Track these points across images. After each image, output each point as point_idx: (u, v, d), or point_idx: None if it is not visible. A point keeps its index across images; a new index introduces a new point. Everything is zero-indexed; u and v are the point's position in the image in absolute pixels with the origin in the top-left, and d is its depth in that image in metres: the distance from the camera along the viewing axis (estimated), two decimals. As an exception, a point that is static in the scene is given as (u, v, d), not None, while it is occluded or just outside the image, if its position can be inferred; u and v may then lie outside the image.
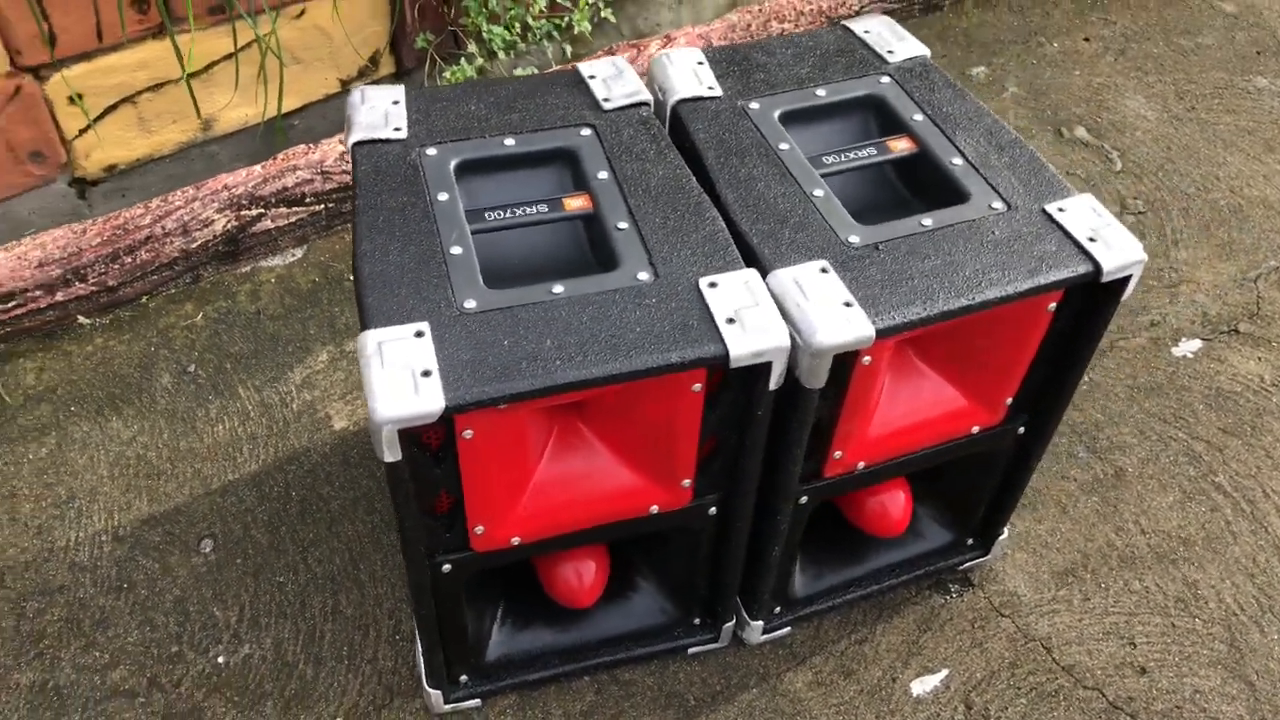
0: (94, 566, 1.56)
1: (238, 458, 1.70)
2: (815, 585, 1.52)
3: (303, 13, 2.31)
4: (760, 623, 1.48)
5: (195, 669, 1.47)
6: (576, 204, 1.23)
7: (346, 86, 2.48)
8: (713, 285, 1.12)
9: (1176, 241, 2.12)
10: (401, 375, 1.02)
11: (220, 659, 1.48)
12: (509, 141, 1.29)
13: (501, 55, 2.43)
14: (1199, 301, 2.01)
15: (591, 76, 1.38)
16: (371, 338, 1.05)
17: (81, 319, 1.88)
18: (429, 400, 1.01)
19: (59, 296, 1.84)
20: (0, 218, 2.15)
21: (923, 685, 1.49)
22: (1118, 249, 1.18)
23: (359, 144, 1.27)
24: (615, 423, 1.22)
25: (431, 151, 1.26)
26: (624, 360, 1.05)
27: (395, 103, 1.32)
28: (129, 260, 1.89)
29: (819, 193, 1.24)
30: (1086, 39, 2.61)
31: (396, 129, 1.29)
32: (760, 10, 2.42)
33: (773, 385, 1.12)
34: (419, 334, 1.06)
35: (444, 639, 1.34)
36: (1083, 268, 1.17)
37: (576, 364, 1.05)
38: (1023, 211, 1.23)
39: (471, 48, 2.41)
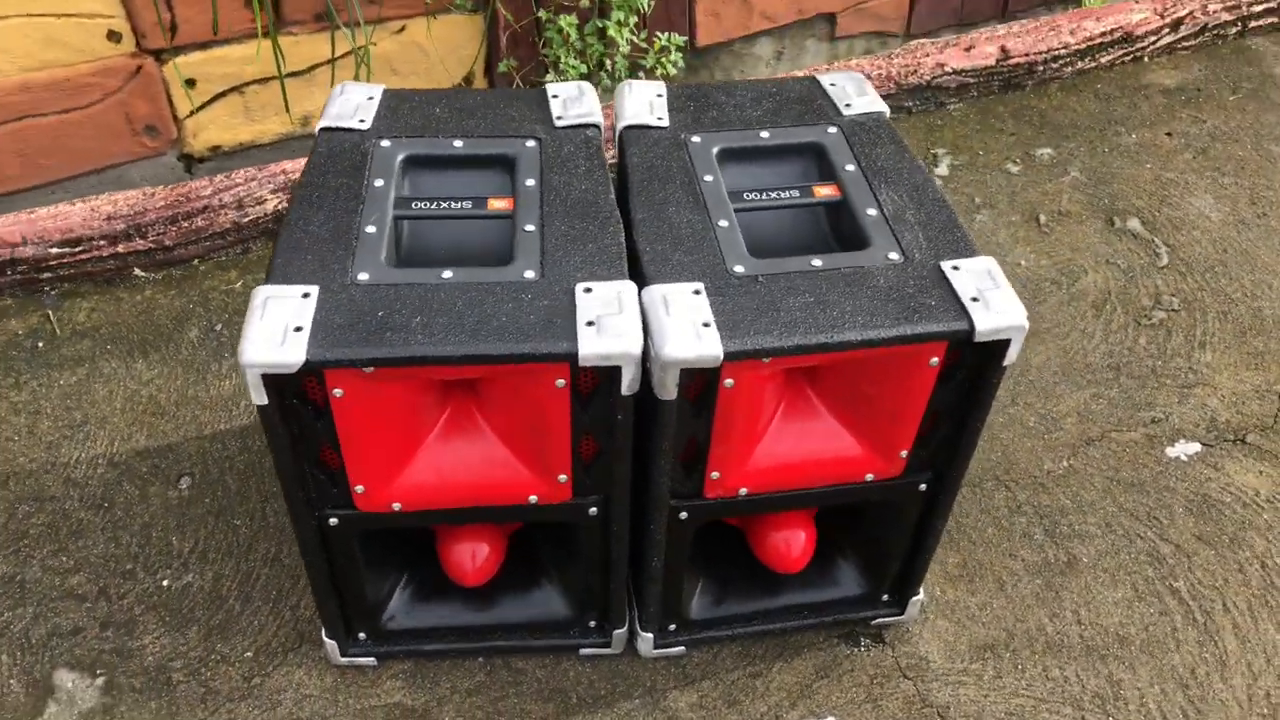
0: (84, 484, 1.74)
1: (234, 411, 1.86)
2: (715, 610, 1.55)
3: (403, 29, 2.51)
4: (650, 635, 1.52)
5: (141, 587, 1.62)
6: (499, 205, 1.33)
7: (438, 100, 2.67)
8: (588, 290, 1.20)
9: (1204, 344, 2.05)
10: (275, 328, 1.14)
11: (165, 582, 1.62)
12: (458, 143, 1.40)
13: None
14: (1210, 406, 1.94)
15: (555, 96, 1.48)
16: (262, 293, 1.18)
17: (138, 271, 2.09)
18: (291, 352, 1.12)
19: (120, 248, 2.06)
20: (115, 180, 2.41)
21: (809, 727, 1.50)
22: (997, 312, 1.19)
23: (325, 129, 1.41)
24: (500, 410, 1.30)
25: (385, 144, 1.39)
26: (480, 344, 1.14)
27: (370, 98, 1.46)
28: (186, 225, 2.10)
29: (724, 224, 1.31)
30: (1169, 134, 2.56)
31: (361, 120, 1.42)
32: (828, 70, 2.47)
33: (624, 390, 1.18)
34: (305, 295, 1.18)
35: (339, 594, 1.44)
36: (955, 325, 1.19)
37: (435, 341, 1.14)
38: (917, 265, 1.26)
39: (550, 76, 2.55)
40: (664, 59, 2.59)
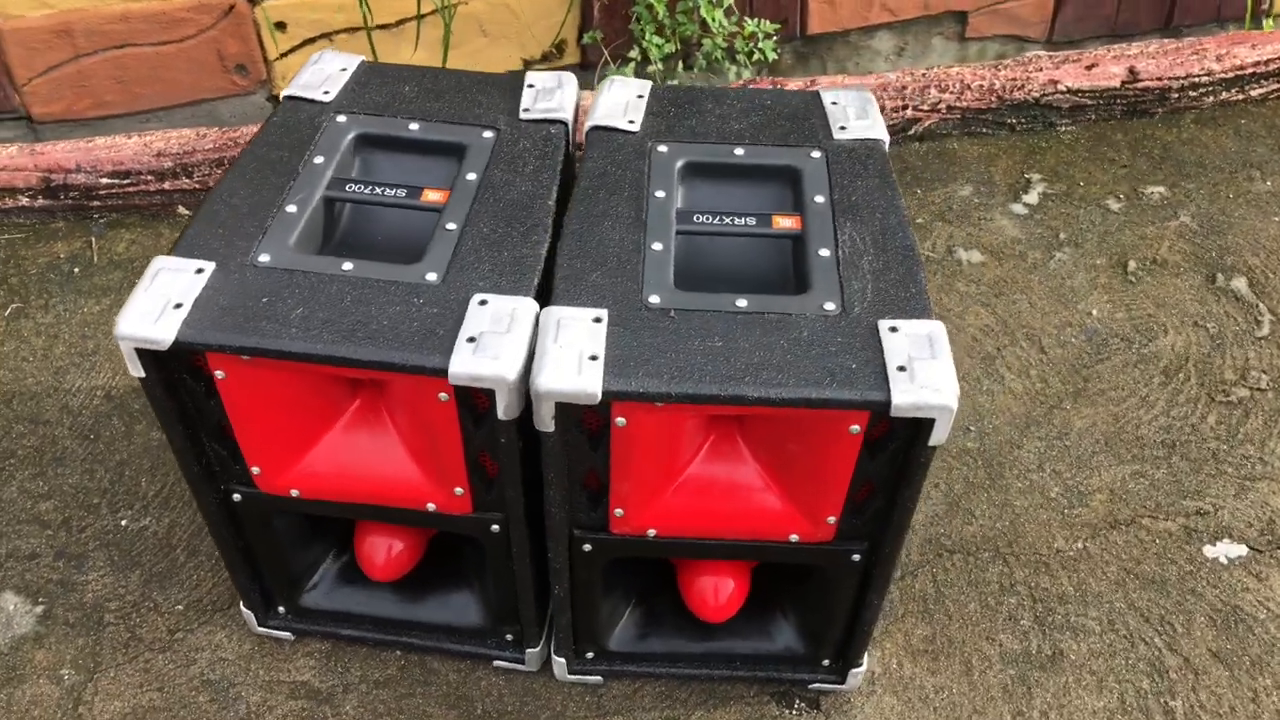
0: (78, 413, 1.79)
1: (234, 360, 1.87)
2: (638, 645, 1.46)
3: (490, -11, 2.47)
4: (563, 660, 1.45)
5: (102, 523, 1.65)
6: (433, 197, 1.27)
7: (529, 66, 2.62)
8: (482, 303, 1.13)
9: (1284, 433, 1.81)
10: (156, 303, 1.12)
11: (124, 522, 1.66)
12: (414, 126, 1.34)
13: (657, 65, 2.47)
14: (1272, 507, 1.71)
15: (530, 85, 1.40)
16: (157, 264, 1.15)
17: (181, 209, 2.14)
18: (163, 330, 1.10)
19: (166, 185, 2.10)
20: (206, 114, 2.48)
21: (710, 786, 1.40)
22: (921, 387, 1.06)
23: (287, 97, 1.38)
24: (400, 413, 1.25)
25: (340, 119, 1.35)
26: (348, 347, 1.09)
27: (344, 70, 1.42)
28: (233, 169, 2.12)
29: (657, 246, 1.21)
30: (1311, 185, 2.26)
31: (326, 92, 1.38)
32: (925, 75, 2.30)
33: (501, 415, 1.11)
34: (199, 271, 1.15)
35: (254, 567, 1.43)
36: (869, 395, 1.06)
37: (307, 337, 1.10)
38: (852, 319, 1.13)
39: (634, 53, 2.46)
40: (756, 45, 2.45)
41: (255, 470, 1.27)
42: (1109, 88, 2.31)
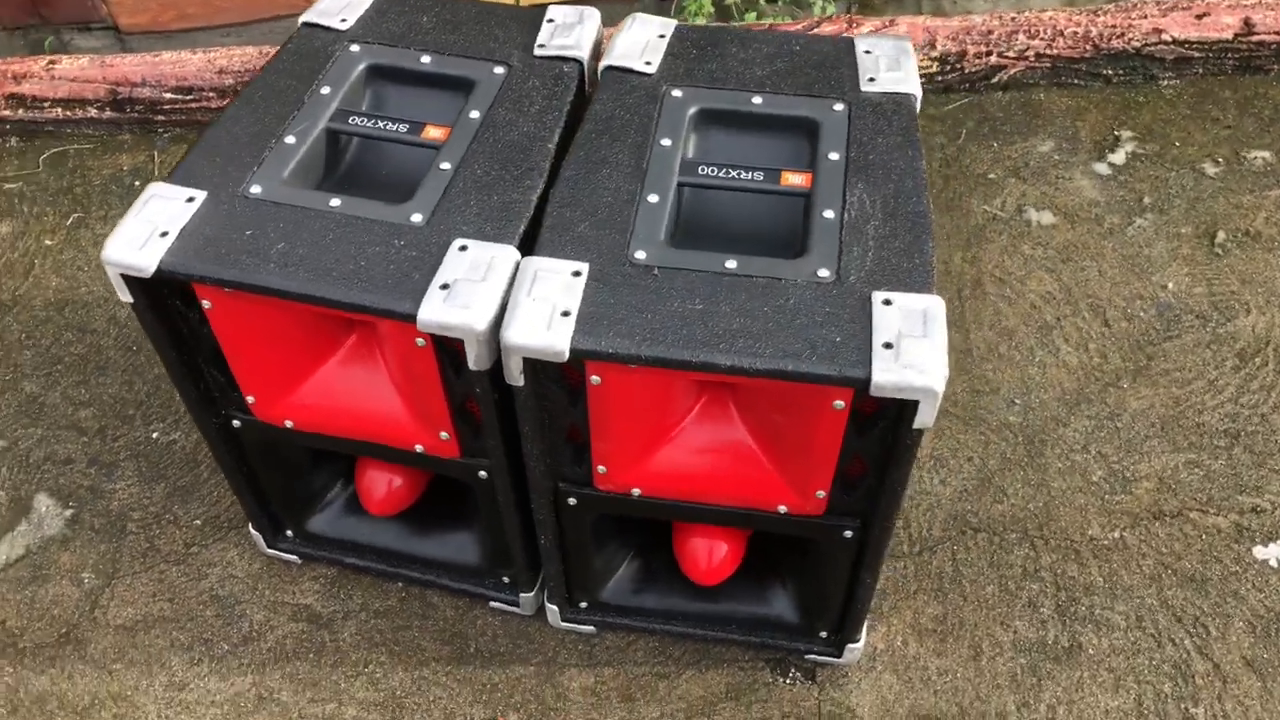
0: (124, 325, 1.84)
1: (277, 282, 1.89)
2: (632, 599, 1.44)
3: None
4: (555, 608, 1.44)
5: (135, 434, 1.70)
6: (434, 134, 1.23)
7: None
8: (462, 249, 1.10)
9: (1364, 429, 1.67)
10: (144, 230, 1.12)
11: (155, 435, 1.70)
12: (425, 59, 1.31)
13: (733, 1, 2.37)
14: (1338, 508, 1.58)
15: (550, 20, 1.35)
16: (150, 190, 1.16)
17: (243, 127, 2.15)
18: (147, 257, 1.10)
19: (227, 102, 2.11)
20: (284, 30, 2.48)
21: (694, 747, 1.39)
22: (905, 367, 0.99)
23: (304, 24, 1.35)
24: (387, 355, 1.24)
25: (354, 49, 1.32)
26: (321, 286, 1.08)
27: (366, -4, 1.38)
28: (293, 89, 2.12)
29: (653, 198, 1.15)
30: None
31: (343, 20, 1.35)
32: (1014, 19, 2.15)
33: (471, 365, 1.09)
34: (190, 200, 1.15)
35: (262, 491, 1.45)
36: (849, 372, 1.00)
37: (283, 274, 1.09)
38: (845, 289, 1.06)
39: (711, -16, 2.37)
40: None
41: (250, 399, 1.28)
42: (1220, 40, 2.13)
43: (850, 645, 1.40)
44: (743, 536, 1.37)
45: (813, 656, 1.43)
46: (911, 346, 1.01)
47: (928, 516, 1.58)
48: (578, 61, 1.30)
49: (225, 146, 1.21)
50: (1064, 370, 1.74)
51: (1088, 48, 2.12)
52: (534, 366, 1.07)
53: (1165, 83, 2.19)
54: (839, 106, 1.23)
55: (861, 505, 1.19)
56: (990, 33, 2.12)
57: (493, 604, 1.50)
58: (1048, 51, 2.12)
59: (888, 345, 1.01)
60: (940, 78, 2.15)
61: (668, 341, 1.03)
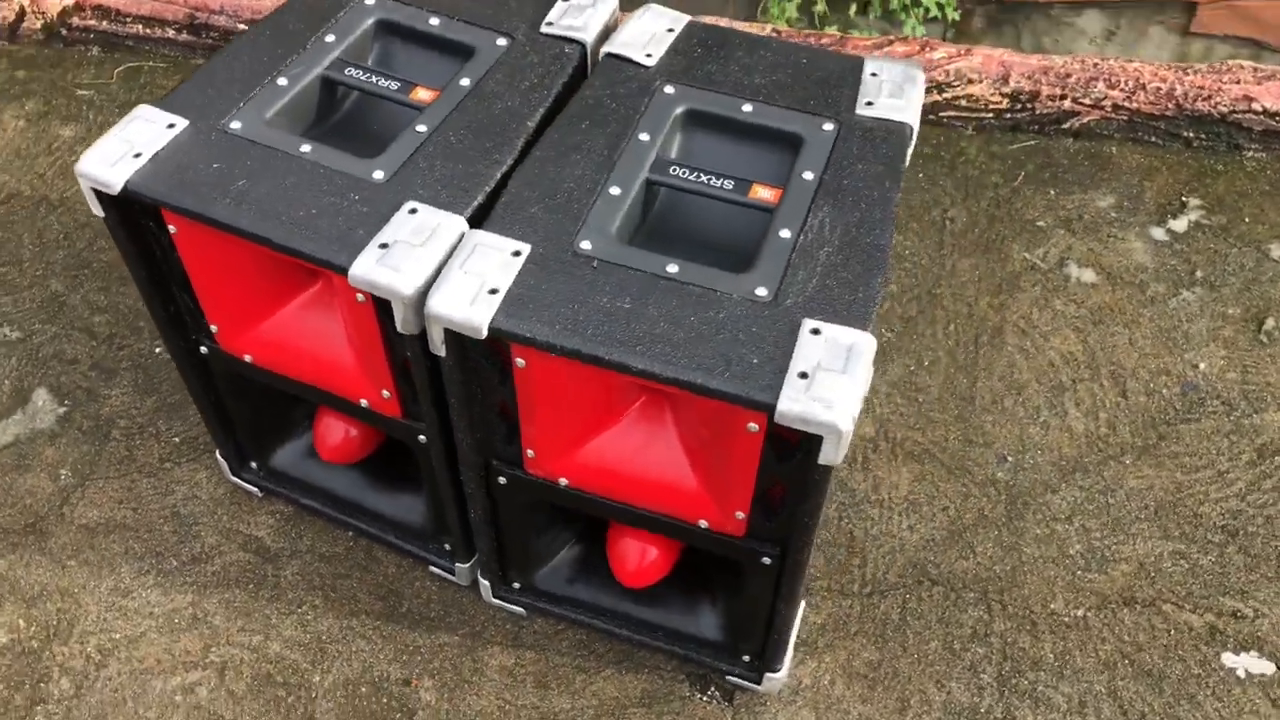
0: (154, 240, 1.90)
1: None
2: (564, 588, 1.44)
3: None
4: (487, 583, 1.45)
5: (139, 346, 1.76)
6: (422, 96, 1.24)
7: (699, -16, 2.52)
8: (412, 211, 1.11)
9: (1377, 551, 1.56)
10: (119, 149, 1.15)
11: (157, 350, 1.76)
12: (434, 21, 1.31)
13: (822, 6, 2.33)
14: (1328, 628, 1.49)
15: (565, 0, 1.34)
16: (136, 111, 1.19)
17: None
18: (116, 175, 1.13)
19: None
20: None
21: (596, 746, 1.38)
22: (813, 400, 0.96)
23: (324, -24, 1.37)
24: (340, 309, 1.25)
25: (369, 2, 1.33)
26: (263, 224, 1.10)
27: (389, -46, 1.39)
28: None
29: (615, 190, 1.14)
30: None
31: (363, -24, 1.36)
32: (1095, 65, 2.06)
33: (399, 328, 1.09)
34: (171, 126, 1.18)
35: (227, 420, 1.48)
36: (756, 395, 0.98)
37: (233, 211, 1.11)
38: (778, 311, 1.04)
39: (798, -12, 2.34)
40: (935, 2, 2.27)
41: (214, 328, 1.31)
42: (1316, 118, 2.01)
43: (770, 674, 1.37)
44: (675, 547, 1.35)
45: (733, 679, 1.41)
46: (826, 380, 0.97)
47: (887, 560, 1.54)
48: (580, 44, 1.29)
49: (219, 80, 1.23)
50: (1066, 435, 1.67)
51: (1170, 106, 2.03)
52: (459, 340, 1.07)
53: (1249, 154, 2.07)
54: (828, 126, 1.20)
55: (783, 533, 1.16)
56: (1069, 76, 2.04)
57: (431, 568, 1.51)
58: (1126, 104, 2.03)
59: (803, 375, 0.98)
60: (1009, 115, 2.08)
61: (585, 335, 1.02)
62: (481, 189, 1.14)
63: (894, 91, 1.23)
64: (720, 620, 1.39)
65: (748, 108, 1.22)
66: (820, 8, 2.36)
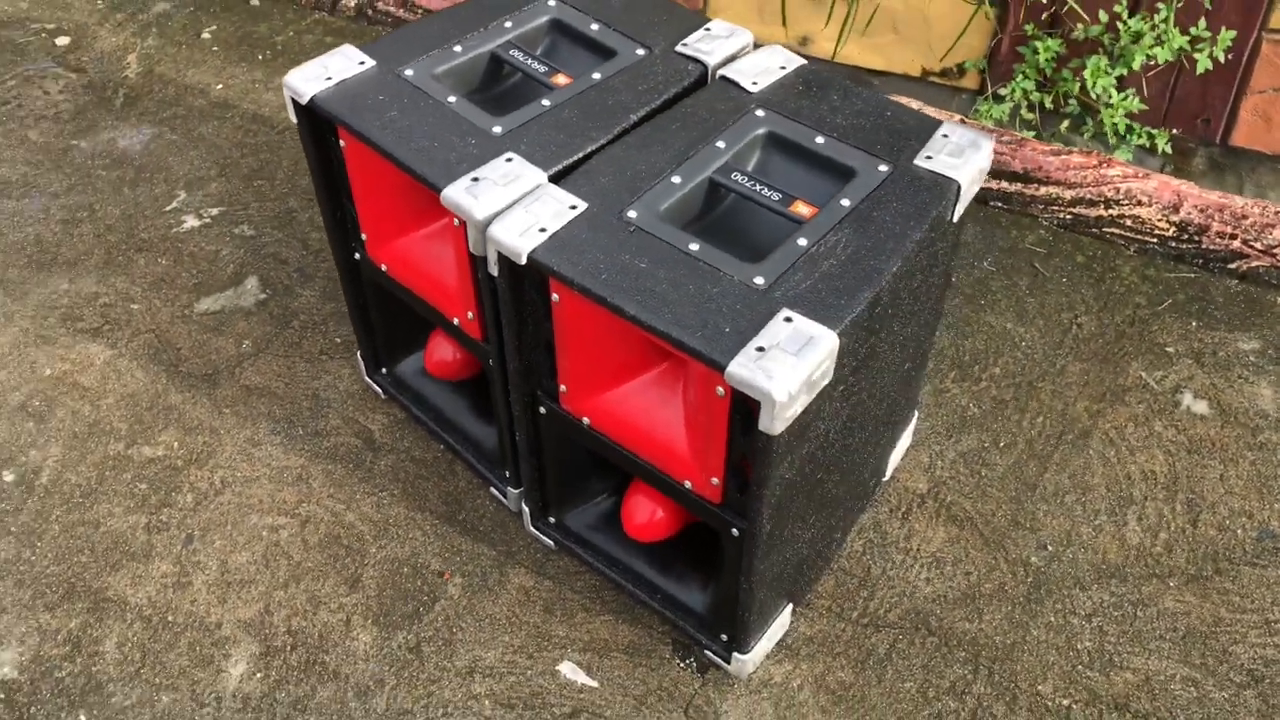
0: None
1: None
2: (588, 534, 1.62)
3: (918, -7, 2.56)
4: (528, 511, 1.65)
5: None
6: (559, 81, 1.49)
7: (927, 76, 2.69)
8: (508, 160, 1.35)
9: None
10: (318, 72, 1.47)
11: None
12: (593, 27, 1.56)
13: (1024, 113, 2.43)
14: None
15: (707, 28, 1.55)
16: (342, 49, 1.51)
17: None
18: (308, 89, 1.45)
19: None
20: None
21: (574, 674, 1.55)
22: (760, 369, 1.11)
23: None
24: (448, 233, 1.50)
25: (551, 3, 1.60)
26: (392, 144, 1.37)
27: (587, -29, 1.66)
28: None
29: (676, 180, 1.34)
30: None
31: (557, -18, 1.64)
32: (1276, 214, 2.05)
33: (470, 247, 1.33)
34: (361, 64, 1.49)
35: (369, 326, 1.78)
36: (711, 353, 1.14)
37: (374, 130, 1.39)
38: (765, 298, 1.19)
39: (1008, 89, 2.44)
40: (1148, 130, 2.31)
41: (364, 237, 1.61)
42: None
43: (738, 655, 1.49)
44: (679, 515, 1.50)
45: (709, 653, 1.53)
46: (778, 356, 1.12)
47: (893, 600, 1.61)
48: (703, 64, 1.50)
49: (417, 38, 1.53)
50: (1117, 543, 1.68)
51: (1346, 268, 1.98)
52: (510, 265, 1.29)
53: None
54: (883, 168, 1.34)
55: (751, 507, 1.30)
56: (1244, 218, 2.04)
57: (492, 489, 1.73)
58: (1299, 257, 2.00)
59: (760, 349, 1.13)
60: (1174, 243, 2.09)
61: (599, 279, 1.21)
62: (570, 155, 1.36)
63: (955, 152, 1.35)
64: (709, 596, 1.53)
65: (820, 140, 1.38)
66: (1029, 114, 2.45)
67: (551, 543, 1.66)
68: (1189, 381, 1.91)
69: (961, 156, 1.35)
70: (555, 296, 1.29)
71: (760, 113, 1.42)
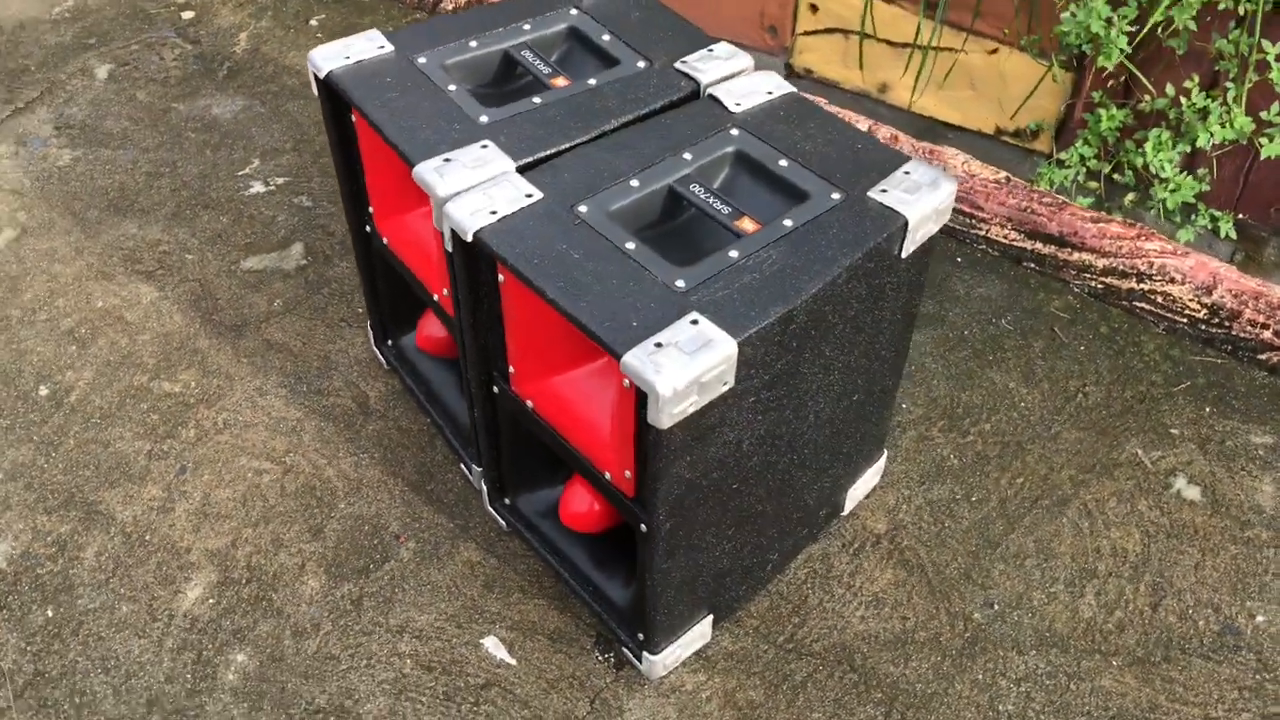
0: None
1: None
2: (535, 519, 1.67)
3: (995, 51, 2.57)
4: (485, 489, 1.72)
5: (377, 240, 2.23)
6: (557, 83, 1.57)
7: (1000, 135, 2.67)
8: (484, 147, 1.43)
9: None
10: (339, 51, 1.59)
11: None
12: (604, 38, 1.64)
13: (1081, 179, 2.40)
14: None
15: (710, 49, 1.60)
16: (368, 33, 1.62)
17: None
18: (328, 65, 1.57)
19: None
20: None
21: (496, 650, 1.61)
22: (650, 361, 1.16)
23: (561, -14, 1.75)
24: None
25: (571, 12, 1.69)
26: (384, 123, 1.47)
27: (615, -14, 1.74)
28: None
29: (635, 184, 1.40)
30: None
31: (584, -7, 1.72)
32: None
33: (434, 222, 1.42)
34: (380, 47, 1.60)
35: (377, 298, 1.89)
36: (613, 343, 1.19)
37: (372, 106, 1.49)
38: (679, 299, 1.24)
39: (1068, 154, 2.42)
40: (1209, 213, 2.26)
41: (371, 210, 1.72)
42: None
43: (648, 655, 1.52)
44: (609, 511, 1.55)
45: (626, 651, 1.57)
46: (672, 354, 1.17)
47: (822, 632, 1.62)
48: (695, 82, 1.55)
49: (431, 32, 1.64)
50: (1068, 613, 1.65)
51: (1380, 374, 1.89)
52: (464, 245, 1.37)
53: None
54: (836, 195, 1.37)
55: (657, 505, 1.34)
56: (1278, 308, 1.97)
57: (462, 465, 1.81)
58: (1331, 356, 1.92)
59: (659, 345, 1.18)
60: (1204, 326, 2.04)
61: (531, 263, 1.28)
62: (543, 150, 1.44)
63: (911, 188, 1.37)
64: (630, 590, 1.56)
65: (783, 163, 1.42)
66: (1092, 183, 2.41)
67: (504, 523, 1.72)
68: (1187, 466, 1.85)
69: (916, 194, 1.37)
70: (501, 277, 1.36)
71: (735, 132, 1.47)
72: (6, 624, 1.62)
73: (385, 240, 1.71)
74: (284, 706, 1.53)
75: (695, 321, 1.20)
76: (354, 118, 1.60)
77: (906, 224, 1.35)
